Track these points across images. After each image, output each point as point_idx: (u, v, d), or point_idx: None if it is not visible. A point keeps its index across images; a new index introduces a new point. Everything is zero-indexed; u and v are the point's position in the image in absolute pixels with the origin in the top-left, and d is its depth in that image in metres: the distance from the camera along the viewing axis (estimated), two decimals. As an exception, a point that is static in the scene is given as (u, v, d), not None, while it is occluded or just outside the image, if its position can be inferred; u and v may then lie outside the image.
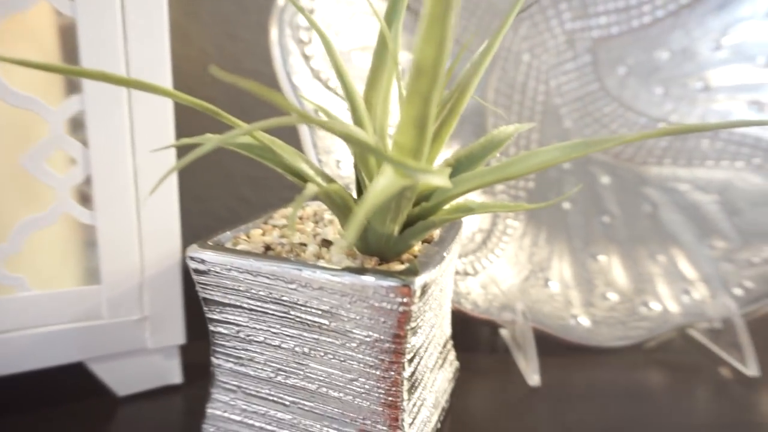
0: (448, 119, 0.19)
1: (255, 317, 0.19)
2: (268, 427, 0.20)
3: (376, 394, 0.18)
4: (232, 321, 0.19)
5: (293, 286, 0.18)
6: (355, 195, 0.21)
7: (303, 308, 0.18)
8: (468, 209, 0.18)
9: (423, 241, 0.21)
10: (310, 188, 0.14)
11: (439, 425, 0.22)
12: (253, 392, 0.20)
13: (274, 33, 0.30)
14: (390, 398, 0.18)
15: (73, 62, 0.28)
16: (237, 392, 0.20)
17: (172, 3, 0.23)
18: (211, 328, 0.20)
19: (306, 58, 0.31)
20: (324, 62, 0.31)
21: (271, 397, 0.19)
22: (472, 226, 0.34)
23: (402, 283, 0.16)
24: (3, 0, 0.21)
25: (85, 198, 0.27)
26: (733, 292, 0.33)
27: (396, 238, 0.18)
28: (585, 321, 0.32)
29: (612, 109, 0.39)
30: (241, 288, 0.19)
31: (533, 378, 0.27)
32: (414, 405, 0.19)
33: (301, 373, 0.19)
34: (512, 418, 0.25)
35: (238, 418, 0.20)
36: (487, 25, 0.37)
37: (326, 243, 0.20)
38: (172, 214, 0.24)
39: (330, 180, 0.19)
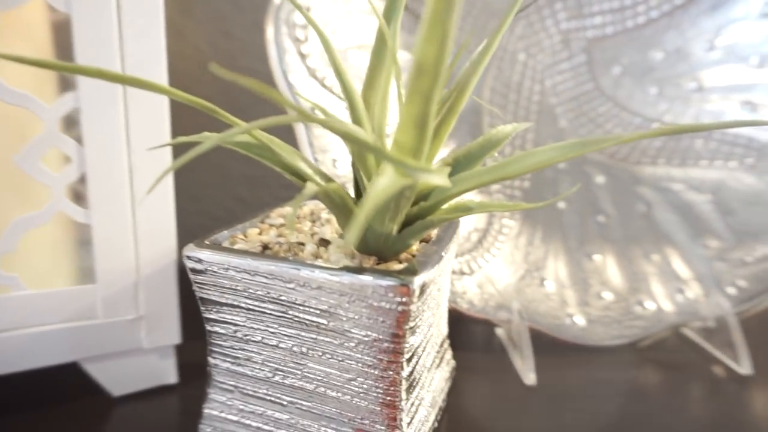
0: (447, 118, 0.19)
1: (252, 317, 0.19)
2: (266, 427, 0.20)
3: (375, 394, 0.18)
4: (229, 320, 0.19)
5: (291, 285, 0.18)
6: (352, 194, 0.21)
7: (301, 308, 0.18)
8: (467, 209, 0.18)
9: (421, 241, 0.21)
10: (310, 187, 0.14)
11: (436, 424, 0.22)
12: (251, 392, 0.20)
13: (270, 31, 0.30)
14: (388, 398, 0.18)
15: (67, 59, 0.28)
16: (234, 392, 0.20)
17: (166, 0, 0.23)
18: (208, 327, 0.20)
19: (302, 56, 0.31)
20: (320, 61, 0.31)
21: (268, 397, 0.19)
22: (468, 225, 0.34)
23: (401, 283, 0.16)
24: (-3, -4, 0.21)
25: (78, 196, 0.27)
26: (726, 291, 0.33)
27: (395, 238, 0.18)
28: (580, 320, 0.32)
29: (607, 108, 0.39)
30: (238, 287, 0.18)
31: (529, 377, 0.28)
32: (412, 404, 0.19)
33: (299, 372, 0.19)
34: (508, 417, 0.25)
35: (235, 418, 0.20)
36: (483, 25, 0.37)
37: (324, 242, 0.20)
38: (167, 213, 0.24)
39: (328, 179, 0.19)
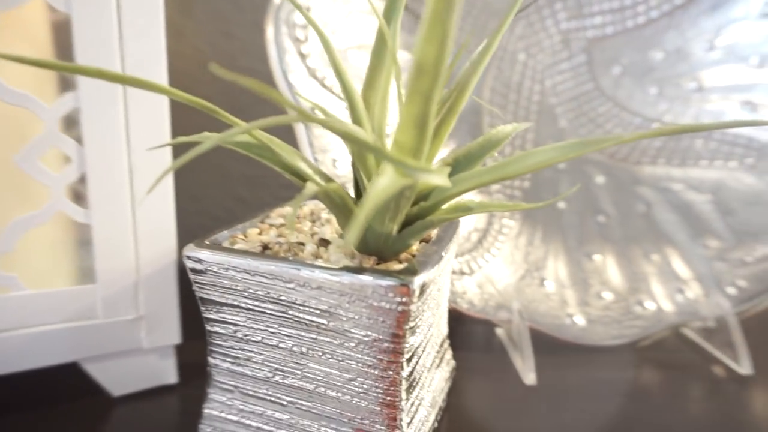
0: (447, 118, 0.19)
1: (252, 317, 0.19)
2: (266, 427, 0.20)
3: (375, 394, 0.18)
4: (229, 320, 0.19)
5: (291, 285, 0.18)
6: (352, 194, 0.21)
7: (301, 308, 0.18)
8: (467, 209, 0.18)
9: (421, 241, 0.21)
10: (310, 187, 0.14)
11: (436, 424, 0.22)
12: (251, 392, 0.20)
13: (270, 31, 0.30)
14: (388, 398, 0.18)
15: (66, 59, 0.28)
16: (234, 392, 0.20)
17: (166, 0, 0.23)
18: (208, 327, 0.20)
19: (302, 56, 0.31)
20: (320, 61, 0.31)
21: (268, 397, 0.19)
22: (468, 225, 0.34)
23: (401, 283, 0.16)
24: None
25: (78, 196, 0.27)
26: (726, 291, 0.33)
27: (395, 238, 0.18)
28: (580, 320, 0.32)
29: (607, 108, 0.39)
30: (238, 287, 0.18)
31: (529, 377, 0.28)
32: (412, 404, 0.19)
33: (299, 372, 0.19)
34: (509, 417, 0.25)
35: (235, 418, 0.20)
36: (483, 25, 0.37)
37: (324, 242, 0.20)
38: (167, 213, 0.24)
39: (328, 179, 0.19)
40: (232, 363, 0.20)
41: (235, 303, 0.19)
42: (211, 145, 0.13)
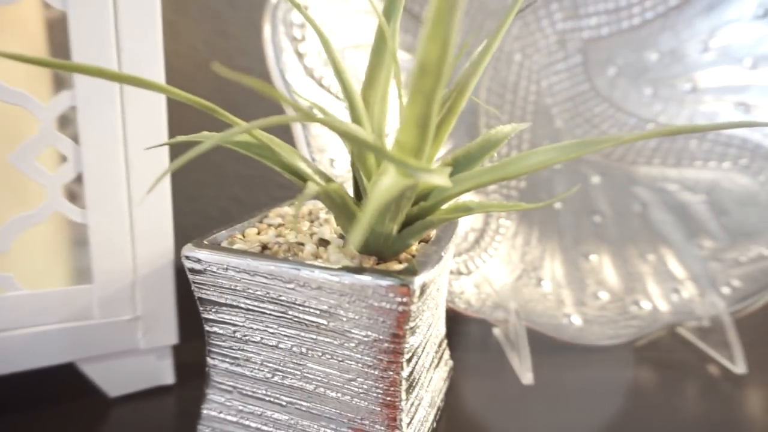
0: (447, 118, 0.19)
1: (252, 317, 0.19)
2: (265, 428, 0.19)
3: (375, 394, 0.18)
4: (228, 321, 0.19)
5: (291, 285, 0.18)
6: (351, 194, 0.21)
7: (301, 308, 0.18)
8: (467, 209, 0.18)
9: (420, 241, 0.21)
10: (311, 187, 0.14)
11: (434, 425, 0.22)
12: (250, 393, 0.20)
13: (267, 30, 0.29)
14: (388, 398, 0.18)
15: (61, 56, 0.27)
16: (233, 393, 0.20)
17: (163, -1, 0.23)
18: (207, 328, 0.20)
19: (299, 55, 0.30)
20: (317, 60, 0.31)
21: (267, 398, 0.19)
22: (465, 225, 0.34)
23: (401, 283, 0.16)
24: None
25: (73, 196, 0.27)
26: (721, 290, 0.33)
27: (394, 238, 0.18)
28: (577, 320, 0.32)
29: (602, 109, 0.39)
30: (237, 287, 0.18)
31: (526, 376, 0.28)
32: (412, 405, 0.19)
33: (299, 373, 0.19)
34: (506, 416, 0.25)
35: (234, 419, 0.20)
36: (480, 25, 0.37)
37: (323, 242, 0.20)
38: (165, 212, 0.24)
39: (328, 179, 0.19)
40: (231, 363, 0.20)
41: (234, 303, 0.19)
42: (212, 145, 0.13)
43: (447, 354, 0.26)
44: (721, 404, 0.27)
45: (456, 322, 0.31)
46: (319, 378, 0.18)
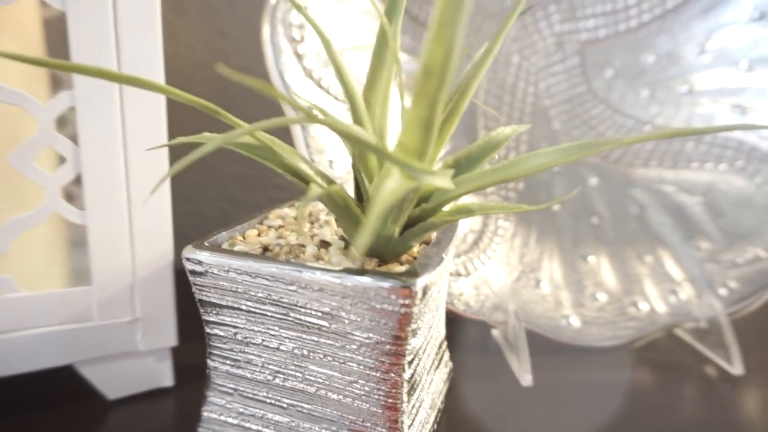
0: (449, 120, 0.19)
1: (253, 319, 0.19)
2: (266, 431, 0.19)
3: (376, 396, 0.18)
4: (229, 323, 0.19)
5: (293, 287, 0.17)
6: (352, 195, 0.21)
7: (303, 310, 0.18)
8: (468, 211, 0.18)
9: (420, 243, 0.21)
10: (314, 189, 0.14)
11: (435, 426, 0.22)
12: (250, 395, 0.19)
13: (266, 31, 0.29)
14: (390, 400, 0.18)
15: (57, 55, 0.27)
16: (234, 395, 0.20)
17: (162, -1, 0.23)
18: (208, 330, 0.19)
19: (298, 56, 0.30)
20: (316, 61, 0.31)
21: (268, 400, 0.19)
22: (463, 226, 0.34)
23: (404, 285, 0.16)
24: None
25: (70, 197, 0.27)
26: (718, 292, 0.34)
27: (396, 240, 0.18)
28: (575, 321, 0.32)
29: (600, 111, 0.40)
30: (239, 290, 0.18)
31: (526, 378, 0.28)
32: (413, 407, 0.19)
33: (300, 375, 0.19)
34: (505, 418, 0.25)
35: (234, 422, 0.20)
36: (478, 27, 0.37)
37: (324, 244, 0.20)
38: (164, 214, 0.24)
39: (330, 181, 0.19)
40: (232, 365, 0.19)
41: (236, 305, 0.19)
42: (214, 147, 0.13)
43: (447, 356, 0.26)
44: (718, 405, 0.27)
45: (455, 323, 0.31)
46: (320, 380, 0.18)
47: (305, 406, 0.19)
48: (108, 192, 0.22)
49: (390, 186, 0.13)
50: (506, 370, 0.29)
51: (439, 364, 0.24)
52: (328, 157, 0.30)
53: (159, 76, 0.23)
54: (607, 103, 0.40)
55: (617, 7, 0.39)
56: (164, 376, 0.25)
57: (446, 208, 0.19)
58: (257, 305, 0.18)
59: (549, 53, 0.40)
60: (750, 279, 0.34)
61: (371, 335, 0.17)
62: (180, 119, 0.30)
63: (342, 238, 0.21)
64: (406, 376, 0.18)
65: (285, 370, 0.19)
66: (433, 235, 0.22)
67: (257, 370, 0.19)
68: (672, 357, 0.32)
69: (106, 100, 0.22)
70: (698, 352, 0.32)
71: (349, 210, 0.18)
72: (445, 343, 0.26)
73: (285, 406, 0.19)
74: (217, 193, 0.43)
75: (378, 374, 0.18)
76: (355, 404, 0.18)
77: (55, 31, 0.29)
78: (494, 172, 0.18)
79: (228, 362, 0.19)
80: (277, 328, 0.18)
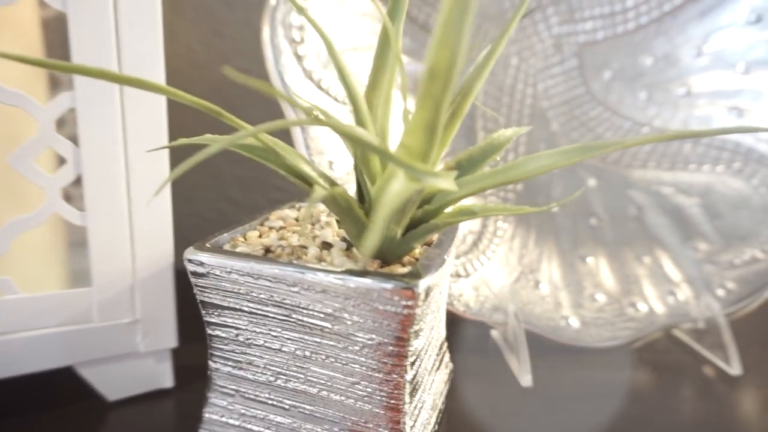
0: (451, 122, 0.19)
1: (255, 320, 0.19)
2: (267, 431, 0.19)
3: (378, 398, 0.18)
4: (230, 324, 0.19)
5: (295, 289, 0.17)
6: (353, 196, 0.21)
7: (305, 311, 0.18)
8: (471, 212, 0.18)
9: (422, 244, 0.21)
10: (318, 191, 0.14)
11: (436, 427, 0.22)
12: (252, 396, 0.19)
13: (266, 32, 0.29)
14: (392, 401, 0.18)
15: (56, 55, 0.27)
16: (235, 396, 0.20)
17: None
18: (209, 331, 0.19)
19: (298, 57, 0.30)
20: (316, 62, 0.31)
21: (270, 401, 0.19)
22: (463, 227, 0.34)
23: (406, 286, 0.16)
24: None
25: (69, 198, 0.27)
26: (716, 293, 0.34)
27: (399, 241, 0.18)
28: (574, 322, 0.32)
29: (598, 112, 0.40)
30: (241, 291, 0.18)
31: (525, 378, 0.28)
32: (415, 408, 0.19)
33: (302, 376, 0.19)
34: (505, 418, 0.25)
35: (236, 423, 0.20)
36: (477, 28, 0.38)
37: (326, 245, 0.20)
38: (164, 215, 0.24)
39: (333, 182, 0.19)
40: (234, 367, 0.19)
41: (237, 306, 0.19)
42: (218, 149, 0.13)
43: (447, 356, 0.26)
44: (716, 405, 0.27)
45: (455, 324, 0.31)
46: (322, 381, 0.18)
47: (307, 407, 0.19)
48: (108, 193, 0.22)
49: (395, 188, 0.13)
50: (506, 371, 0.29)
51: (440, 365, 0.24)
52: (328, 158, 0.30)
53: (160, 77, 0.23)
54: (605, 104, 0.40)
55: (615, 10, 0.40)
56: (164, 377, 0.25)
57: (448, 210, 0.19)
58: (259, 306, 0.18)
59: (547, 55, 0.40)
60: (747, 280, 0.34)
61: (374, 336, 0.17)
62: (179, 120, 0.30)
63: (344, 239, 0.21)
64: (408, 377, 0.18)
65: (287, 372, 0.19)
66: (435, 236, 0.22)
67: (259, 371, 0.19)
68: (670, 357, 0.32)
69: (106, 101, 0.22)
70: (696, 352, 0.32)
71: (351, 211, 0.18)
72: (446, 344, 0.26)
73: (287, 407, 0.19)
74: (217, 194, 0.43)
75: (380, 375, 0.18)
76: (357, 405, 0.18)
77: (54, 31, 0.29)
78: (496, 174, 0.18)
79: (230, 363, 0.19)
80: (279, 330, 0.18)
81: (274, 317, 0.18)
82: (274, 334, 0.19)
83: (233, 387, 0.20)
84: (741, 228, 0.36)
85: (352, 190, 0.24)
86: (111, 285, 0.23)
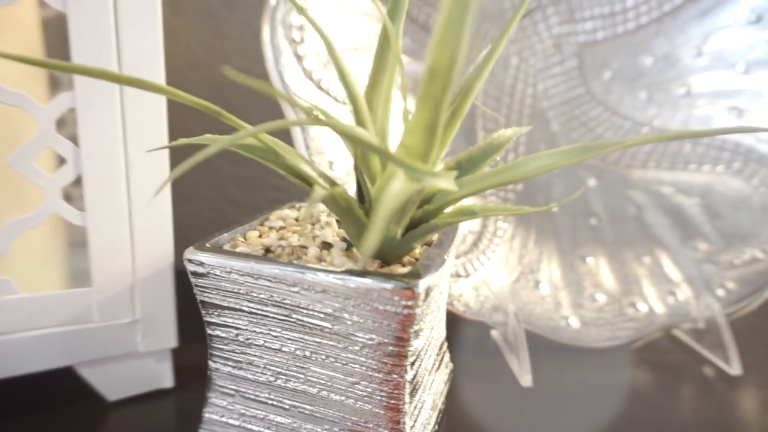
0: (451, 123, 0.19)
1: (255, 320, 0.19)
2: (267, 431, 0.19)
3: (378, 398, 0.18)
4: (230, 324, 0.19)
5: (296, 289, 0.17)
6: (353, 196, 0.21)
7: (305, 311, 0.18)
8: (471, 212, 0.18)
9: (422, 244, 0.21)
10: (319, 191, 0.14)
11: (436, 427, 0.22)
12: (252, 396, 0.19)
13: (266, 32, 0.29)
14: (392, 401, 0.18)
15: (56, 55, 0.27)
16: (235, 396, 0.20)
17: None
18: (209, 331, 0.19)
19: (298, 57, 0.30)
20: (316, 62, 0.31)
21: (270, 401, 0.19)
22: (462, 227, 0.34)
23: (406, 286, 0.16)
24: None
25: (69, 198, 0.27)
26: (716, 293, 0.34)
27: (399, 241, 0.18)
28: (574, 322, 0.32)
29: (598, 112, 0.40)
30: (241, 291, 0.18)
31: (525, 378, 0.28)
32: (415, 408, 0.19)
33: (302, 376, 0.19)
34: (506, 418, 0.25)
35: (236, 423, 0.20)
36: (477, 28, 0.38)
37: (326, 245, 0.20)
38: (164, 215, 0.24)
39: (333, 183, 0.19)
40: (234, 367, 0.19)
41: (237, 306, 0.19)
42: (219, 149, 0.13)
43: (447, 356, 0.26)
44: (716, 405, 0.27)
45: (455, 324, 0.31)
46: (322, 381, 0.18)
47: (307, 407, 0.19)
48: (108, 193, 0.22)
49: (395, 188, 0.13)
50: (506, 371, 0.29)
51: (440, 365, 0.24)
52: (328, 158, 0.30)
53: (160, 77, 0.23)
54: (605, 104, 0.40)
55: (615, 10, 0.40)
56: (164, 377, 0.25)
57: (448, 210, 0.19)
58: (259, 306, 0.18)
59: (547, 55, 0.40)
60: (747, 280, 0.34)
61: (374, 336, 0.17)
62: (179, 120, 0.30)
63: (344, 239, 0.21)
64: (408, 377, 0.18)
65: (287, 372, 0.19)
66: (435, 236, 0.22)
67: (259, 371, 0.19)
68: (670, 357, 0.32)
69: (106, 101, 0.22)
70: (696, 352, 0.32)
71: (352, 211, 0.18)
72: (446, 344, 0.26)
73: (287, 407, 0.19)
74: (217, 194, 0.43)
75: (380, 375, 0.18)
76: (357, 405, 0.18)
77: (54, 31, 0.29)
78: (496, 174, 0.18)
79: (230, 363, 0.19)
80: (279, 330, 0.18)
81: (274, 317, 0.18)
82: (274, 334, 0.19)
83: (233, 387, 0.20)
84: (741, 228, 0.36)
85: (352, 190, 0.24)
86: (111, 285, 0.23)
